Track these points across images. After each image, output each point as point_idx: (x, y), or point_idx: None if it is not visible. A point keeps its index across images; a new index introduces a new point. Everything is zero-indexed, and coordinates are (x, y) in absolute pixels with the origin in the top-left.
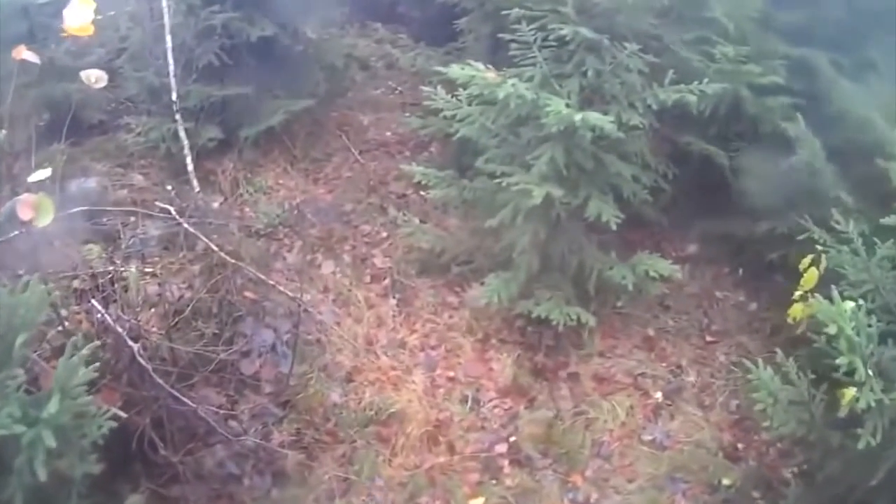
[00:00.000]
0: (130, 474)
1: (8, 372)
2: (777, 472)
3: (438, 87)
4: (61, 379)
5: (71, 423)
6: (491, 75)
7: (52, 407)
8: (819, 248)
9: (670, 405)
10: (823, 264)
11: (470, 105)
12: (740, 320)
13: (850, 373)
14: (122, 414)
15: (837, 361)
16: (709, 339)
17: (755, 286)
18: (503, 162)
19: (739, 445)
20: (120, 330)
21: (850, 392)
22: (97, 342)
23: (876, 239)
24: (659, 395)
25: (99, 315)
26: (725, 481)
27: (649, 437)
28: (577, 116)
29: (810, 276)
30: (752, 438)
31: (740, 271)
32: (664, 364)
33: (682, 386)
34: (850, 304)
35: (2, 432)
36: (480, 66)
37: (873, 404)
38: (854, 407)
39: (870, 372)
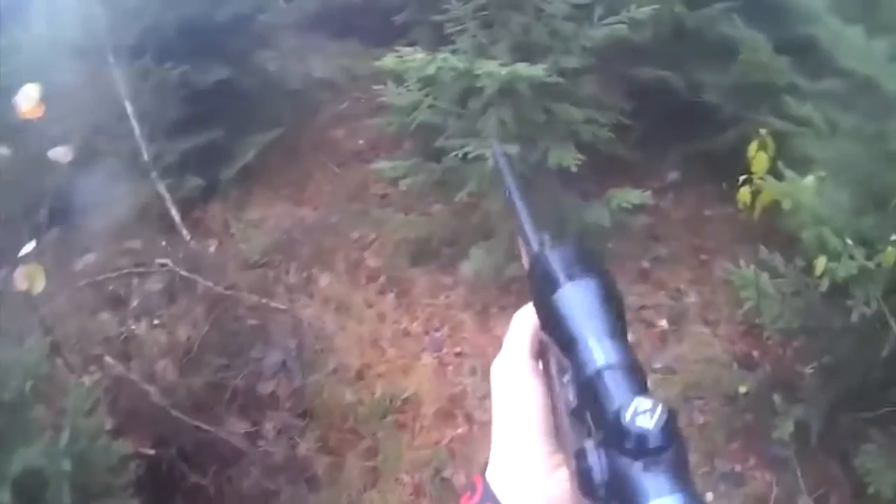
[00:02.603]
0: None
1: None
2: (794, 372)
3: (389, 83)
4: (71, 412)
5: (100, 464)
6: (420, 56)
7: (65, 437)
8: (763, 132)
9: (676, 329)
10: (771, 146)
11: (418, 91)
12: (733, 233)
13: (824, 246)
14: (150, 451)
15: (803, 235)
16: (703, 257)
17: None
18: (462, 136)
19: (754, 353)
20: (134, 378)
21: (822, 261)
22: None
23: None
24: (664, 322)
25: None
26: (742, 389)
27: (659, 365)
28: (505, 71)
29: (758, 160)
30: (766, 344)
31: (724, 185)
32: (663, 292)
33: (684, 309)
34: (809, 178)
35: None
36: (409, 49)
37: (855, 272)
38: (842, 280)
39: (848, 241)
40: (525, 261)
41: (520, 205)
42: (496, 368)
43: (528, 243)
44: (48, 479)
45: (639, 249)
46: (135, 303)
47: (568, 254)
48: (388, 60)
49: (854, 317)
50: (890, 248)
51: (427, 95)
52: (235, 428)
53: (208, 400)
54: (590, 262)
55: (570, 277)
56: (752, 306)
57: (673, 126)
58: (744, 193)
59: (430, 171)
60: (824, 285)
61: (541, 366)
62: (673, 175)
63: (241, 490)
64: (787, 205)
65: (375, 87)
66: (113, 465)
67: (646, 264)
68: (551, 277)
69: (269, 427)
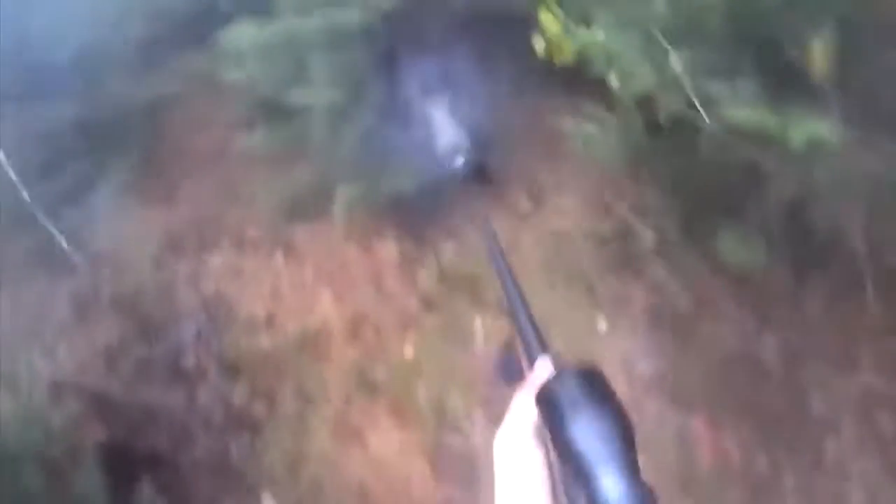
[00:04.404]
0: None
1: None
2: (643, 195)
3: (227, 64)
4: None
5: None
6: (251, 30)
7: None
8: None
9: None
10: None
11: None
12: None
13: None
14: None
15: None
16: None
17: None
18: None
19: (610, 202)
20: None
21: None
22: None
23: None
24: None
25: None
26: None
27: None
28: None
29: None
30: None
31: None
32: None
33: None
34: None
35: None
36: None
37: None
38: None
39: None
40: (525, 363)
41: (520, 313)
42: (500, 441)
43: (530, 353)
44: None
45: None
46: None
47: (578, 380)
48: (226, 42)
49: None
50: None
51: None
52: (174, 402)
53: (143, 384)
54: (599, 387)
55: (581, 409)
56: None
57: None
58: (543, 50)
59: (282, 135)
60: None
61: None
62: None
63: (195, 455)
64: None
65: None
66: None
67: None
68: (561, 407)
69: (202, 392)
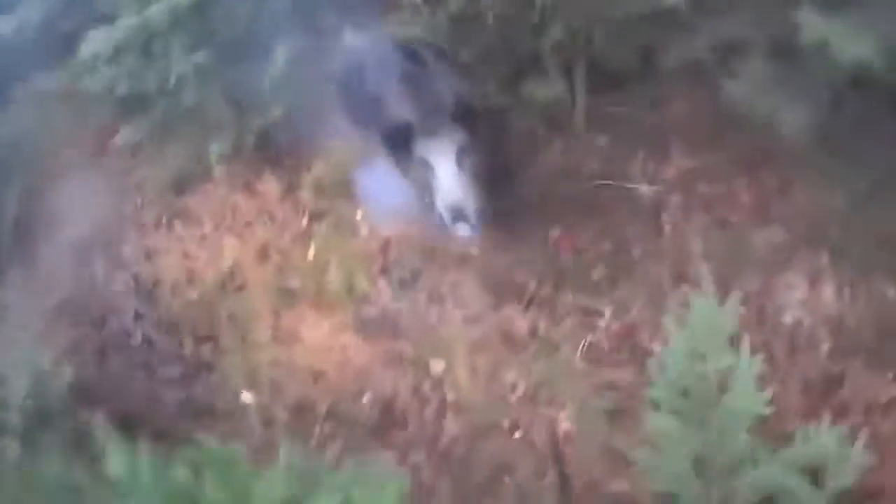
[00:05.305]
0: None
1: None
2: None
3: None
4: None
5: None
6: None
7: None
8: None
9: None
10: None
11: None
12: None
13: None
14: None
15: None
16: None
17: None
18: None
19: None
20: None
21: None
22: None
23: None
24: None
25: None
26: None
27: None
28: None
29: None
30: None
31: None
32: None
33: None
34: None
35: None
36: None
37: None
38: None
39: None
40: None
41: None
42: None
43: None
44: None
45: None
46: None
47: None
48: (81, 54)
49: None
50: None
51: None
52: (136, 375)
53: (105, 369)
54: None
55: None
56: None
57: None
58: None
59: (148, 123)
60: None
61: None
62: None
63: (168, 411)
64: None
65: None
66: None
67: None
68: None
69: (155, 358)
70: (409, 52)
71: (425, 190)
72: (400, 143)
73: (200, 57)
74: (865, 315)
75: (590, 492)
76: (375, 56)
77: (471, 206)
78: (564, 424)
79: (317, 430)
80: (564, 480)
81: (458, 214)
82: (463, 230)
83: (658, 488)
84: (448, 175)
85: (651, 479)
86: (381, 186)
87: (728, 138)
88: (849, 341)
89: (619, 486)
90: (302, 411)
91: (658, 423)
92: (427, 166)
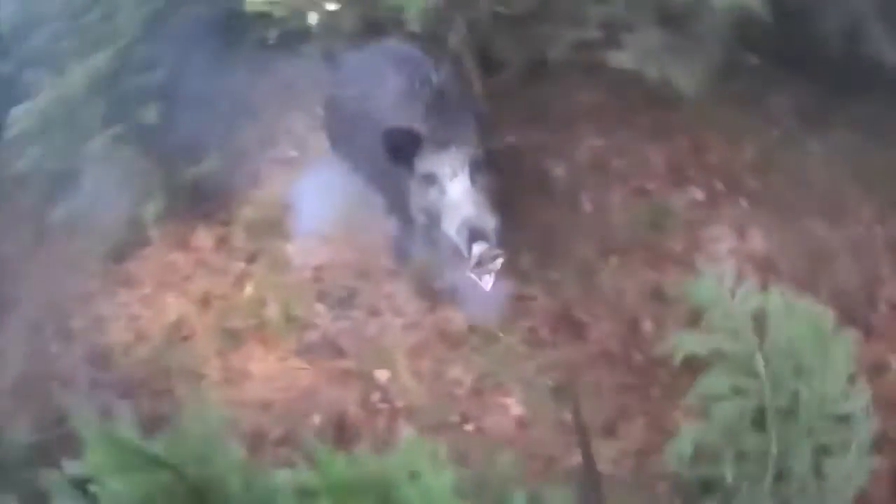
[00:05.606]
0: None
1: None
2: None
3: None
4: None
5: None
6: None
7: None
8: None
9: None
10: None
11: None
12: None
13: None
14: None
15: None
16: None
17: None
18: None
19: None
20: None
21: None
22: None
23: None
24: None
25: None
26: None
27: None
28: None
29: None
30: None
31: None
32: None
33: None
34: None
35: None
36: None
37: None
38: None
39: None
40: None
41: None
42: None
43: None
44: None
45: None
46: None
47: None
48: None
49: None
50: None
51: None
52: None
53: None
54: None
55: None
56: None
57: None
58: None
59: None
60: None
61: None
62: None
63: None
64: None
65: None
66: None
67: None
68: None
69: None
70: (409, 59)
71: (427, 213)
72: (401, 158)
73: (119, 128)
74: (797, 254)
75: (550, 469)
76: (363, 70)
77: (489, 223)
78: (515, 409)
79: (269, 456)
80: (591, 463)
81: (477, 233)
82: (482, 251)
83: None
84: (462, 191)
85: None
86: (310, 216)
87: (636, 114)
88: (783, 279)
89: (577, 459)
90: (256, 440)
91: None
92: (434, 183)
